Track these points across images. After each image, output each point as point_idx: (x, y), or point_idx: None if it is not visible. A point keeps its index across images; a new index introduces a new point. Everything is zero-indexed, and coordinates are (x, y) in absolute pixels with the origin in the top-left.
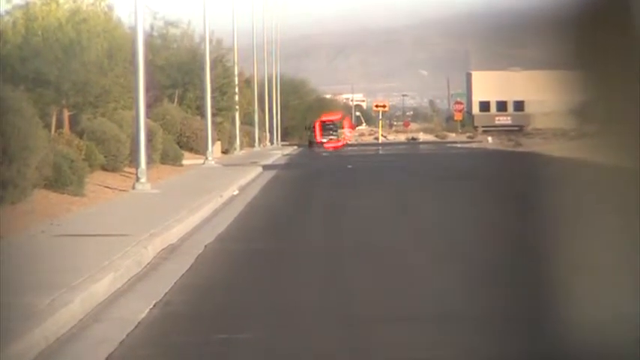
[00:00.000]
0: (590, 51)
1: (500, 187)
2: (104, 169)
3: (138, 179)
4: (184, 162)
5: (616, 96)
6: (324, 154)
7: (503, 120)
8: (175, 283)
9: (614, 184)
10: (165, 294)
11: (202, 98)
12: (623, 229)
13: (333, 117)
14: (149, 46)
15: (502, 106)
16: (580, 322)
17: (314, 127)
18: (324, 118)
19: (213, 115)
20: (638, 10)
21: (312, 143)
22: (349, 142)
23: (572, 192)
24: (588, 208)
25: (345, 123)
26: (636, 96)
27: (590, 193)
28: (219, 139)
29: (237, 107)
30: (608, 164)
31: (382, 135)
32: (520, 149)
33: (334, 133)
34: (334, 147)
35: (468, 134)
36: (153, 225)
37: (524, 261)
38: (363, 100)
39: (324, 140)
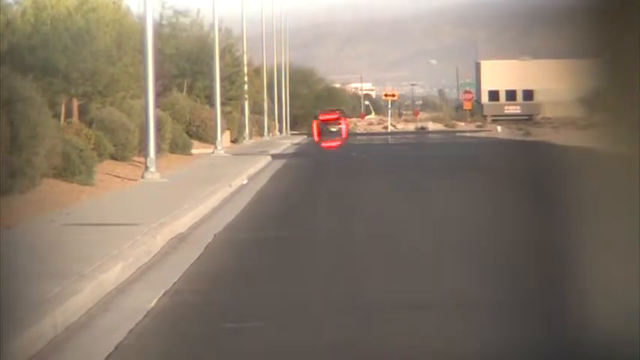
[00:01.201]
0: (601, 38)
1: (511, 177)
2: (113, 158)
3: (147, 168)
4: (193, 151)
5: (628, 84)
6: (345, 135)
7: (513, 109)
8: (184, 272)
9: (624, 173)
10: (175, 283)
11: (211, 87)
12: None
13: (331, 116)
14: (158, 35)
15: (511, 95)
16: (594, 314)
17: (312, 127)
18: (321, 118)
19: (223, 104)
20: None
21: (321, 133)
22: (357, 132)
23: (584, 181)
24: (602, 198)
25: (342, 122)
26: None
27: (601, 182)
28: (228, 129)
29: (246, 96)
30: (618, 153)
31: (391, 124)
32: (529, 138)
33: (333, 133)
34: (333, 146)
35: (477, 123)
36: (162, 214)
37: (537, 252)
38: (372, 90)
39: (323, 139)
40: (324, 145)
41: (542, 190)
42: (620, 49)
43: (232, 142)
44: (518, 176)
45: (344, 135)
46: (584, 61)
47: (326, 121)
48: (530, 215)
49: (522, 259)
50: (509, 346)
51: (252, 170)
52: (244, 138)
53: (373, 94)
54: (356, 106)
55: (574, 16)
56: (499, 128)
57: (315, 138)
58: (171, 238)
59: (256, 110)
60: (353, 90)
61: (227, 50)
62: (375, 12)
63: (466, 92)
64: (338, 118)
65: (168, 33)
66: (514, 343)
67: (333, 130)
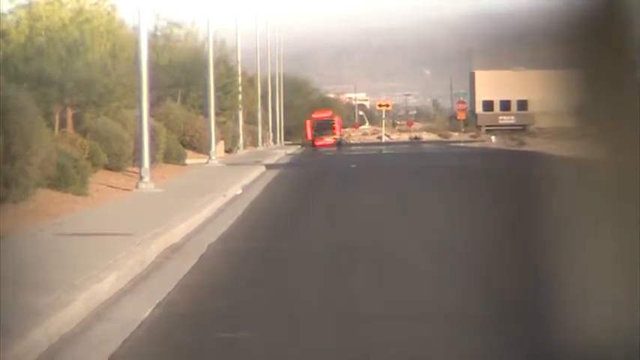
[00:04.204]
0: (591, 52)
1: (503, 187)
2: (107, 168)
3: (141, 178)
4: (187, 161)
5: (615, 97)
6: (327, 153)
7: (507, 119)
8: (178, 282)
9: (611, 183)
10: (169, 293)
11: (205, 97)
12: (626, 228)
13: (324, 114)
14: (152, 45)
15: (505, 105)
16: (581, 322)
17: (305, 125)
18: (315, 116)
19: (217, 114)
20: (637, 12)
21: (327, 123)
22: (350, 142)
23: (571, 191)
24: (590, 207)
25: (336, 120)
26: (635, 98)
27: (588, 192)
28: (222, 139)
29: (240, 106)
30: (606, 162)
31: (385, 134)
32: (523, 148)
33: (326, 132)
34: (326, 144)
35: (471, 133)
36: (156, 224)
37: (526, 261)
38: (366, 100)
39: (316, 138)
40: (317, 143)
41: (530, 199)
42: (608, 61)
43: (226, 152)
44: (510, 186)
45: (338, 133)
46: (574, 72)
47: (319, 119)
48: (519, 225)
49: (512, 270)
50: (501, 356)
51: (246, 180)
52: (238, 148)
53: (367, 104)
54: (350, 116)
55: (566, 27)
56: (493, 138)
57: (309, 136)
58: (166, 249)
59: (250, 120)
60: (347, 100)
61: (221, 61)
62: (370, 22)
63: (460, 102)
64: (331, 116)
65: (162, 44)
66: (507, 353)
67: (327, 130)
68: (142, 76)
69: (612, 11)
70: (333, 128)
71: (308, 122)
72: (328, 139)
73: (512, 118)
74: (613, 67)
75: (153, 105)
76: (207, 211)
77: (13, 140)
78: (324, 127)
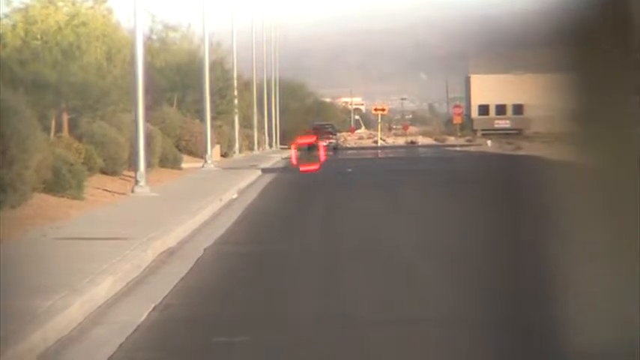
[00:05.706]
0: (589, 55)
1: (500, 191)
2: (103, 172)
3: (137, 183)
4: (183, 165)
5: (613, 101)
6: (322, 158)
7: (503, 123)
8: (174, 286)
9: (607, 185)
10: (165, 297)
11: (201, 101)
12: (623, 230)
13: (309, 140)
14: (148, 49)
15: (501, 109)
16: (583, 322)
17: (290, 149)
18: (299, 142)
19: (213, 118)
20: (638, 15)
21: (311, 148)
22: (346, 146)
23: (566, 194)
24: (589, 210)
25: (320, 146)
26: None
27: (583, 195)
28: (218, 143)
29: (236, 110)
30: (602, 166)
31: (381, 138)
32: (520, 152)
33: (310, 157)
34: (310, 170)
35: (467, 138)
36: (152, 228)
37: (525, 265)
38: (362, 104)
39: (300, 163)
40: (302, 169)
41: (524, 202)
42: (607, 63)
43: (222, 156)
44: (504, 189)
45: (322, 158)
46: (572, 75)
47: (303, 145)
48: (512, 228)
49: (507, 273)
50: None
51: (242, 184)
52: (234, 152)
53: (363, 108)
54: (346, 120)
55: (564, 30)
56: (489, 142)
57: (294, 161)
58: (162, 252)
59: (246, 124)
60: (343, 104)
61: (217, 64)
62: (365, 26)
63: (456, 106)
64: (316, 141)
65: (158, 47)
66: (507, 353)
67: (312, 154)
68: (138, 78)
69: (612, 13)
70: (318, 155)
71: (292, 146)
72: (312, 165)
73: (508, 122)
74: (613, 70)
75: (149, 108)
76: (203, 215)
77: (10, 144)
78: (308, 152)
